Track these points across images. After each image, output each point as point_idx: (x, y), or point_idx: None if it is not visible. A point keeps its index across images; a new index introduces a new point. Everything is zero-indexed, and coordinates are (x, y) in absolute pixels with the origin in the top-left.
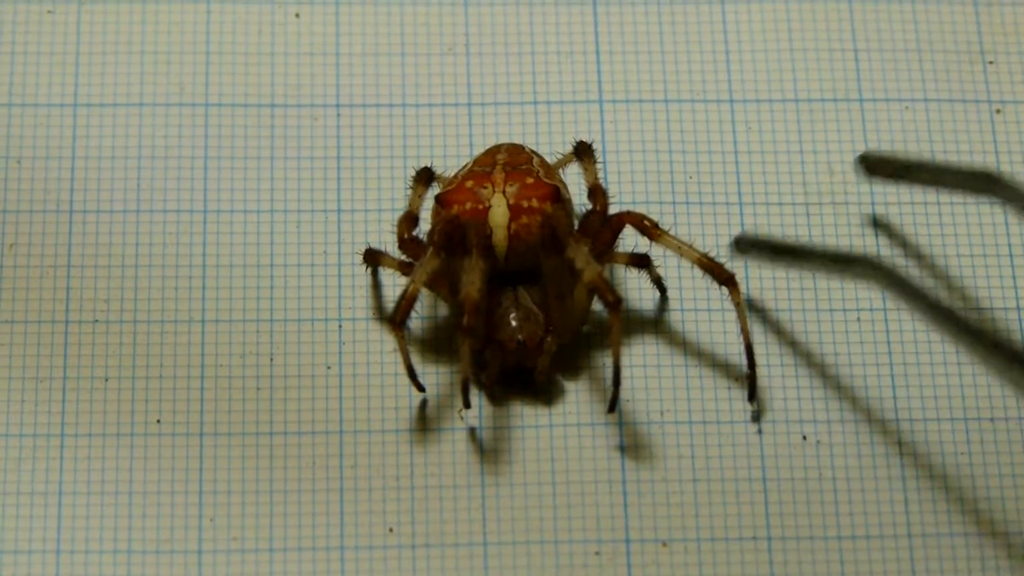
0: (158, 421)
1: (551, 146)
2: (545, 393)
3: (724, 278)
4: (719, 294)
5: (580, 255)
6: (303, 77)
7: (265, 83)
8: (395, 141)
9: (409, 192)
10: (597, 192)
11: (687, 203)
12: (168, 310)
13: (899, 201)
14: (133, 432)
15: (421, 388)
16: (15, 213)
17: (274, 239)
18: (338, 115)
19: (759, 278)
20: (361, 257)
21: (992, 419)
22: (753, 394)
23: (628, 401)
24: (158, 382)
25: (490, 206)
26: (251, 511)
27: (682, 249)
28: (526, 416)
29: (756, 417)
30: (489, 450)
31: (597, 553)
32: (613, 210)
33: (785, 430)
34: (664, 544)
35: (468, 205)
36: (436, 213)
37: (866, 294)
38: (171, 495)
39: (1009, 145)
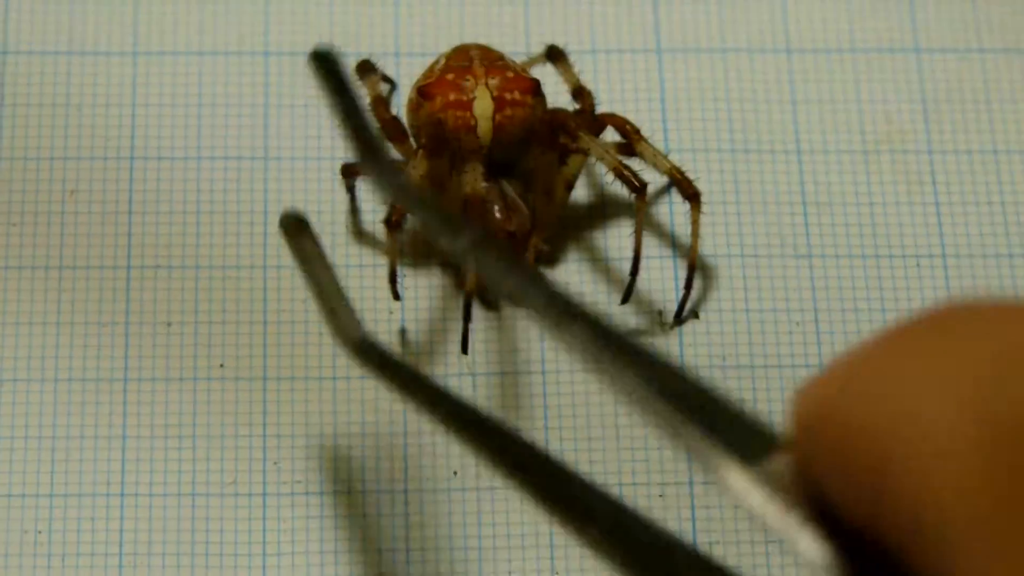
0: (221, 365)
1: (610, 94)
2: None
3: (689, 193)
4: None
5: (595, 145)
6: (362, 26)
7: (324, 31)
8: None
9: (363, 87)
10: (583, 93)
11: (746, 151)
12: (230, 256)
13: (956, 150)
14: (196, 376)
15: (397, 296)
16: (76, 160)
17: (335, 186)
18: (397, 63)
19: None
20: (341, 171)
21: None
22: (680, 314)
23: (690, 346)
24: (221, 327)
25: (474, 98)
26: (314, 454)
27: (656, 158)
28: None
29: (674, 326)
30: (552, 393)
31: (661, 496)
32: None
33: None
34: None
35: (452, 96)
36: (416, 106)
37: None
38: (235, 439)
39: None
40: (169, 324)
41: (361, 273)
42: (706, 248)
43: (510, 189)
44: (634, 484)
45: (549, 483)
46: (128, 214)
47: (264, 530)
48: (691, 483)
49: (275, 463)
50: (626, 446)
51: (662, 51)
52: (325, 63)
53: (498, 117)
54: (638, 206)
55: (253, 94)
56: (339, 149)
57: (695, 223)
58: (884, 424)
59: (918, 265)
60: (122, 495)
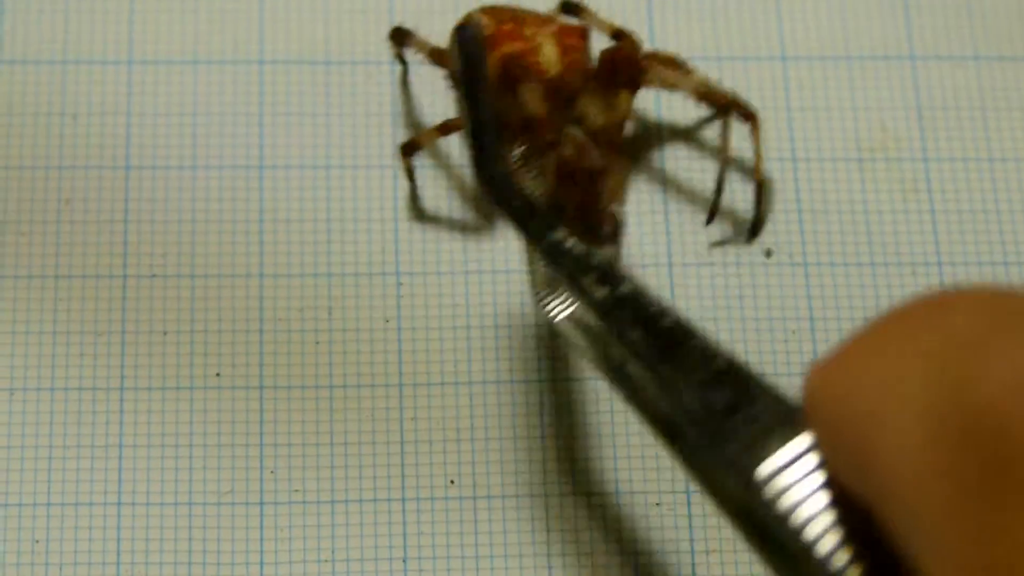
0: (217, 374)
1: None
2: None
3: (748, 114)
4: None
5: (670, 73)
6: (356, 35)
7: (319, 40)
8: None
9: (412, 48)
10: (624, 34)
11: (740, 158)
12: (225, 265)
13: (951, 158)
14: (193, 385)
15: (420, 212)
16: (71, 169)
17: (330, 194)
18: (392, 71)
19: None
20: (401, 150)
21: None
22: (756, 227)
23: None
24: (217, 336)
25: (540, 43)
26: (312, 463)
27: (712, 83)
28: (586, 368)
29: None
30: (549, 403)
31: (657, 504)
32: None
33: None
34: None
35: (518, 45)
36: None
37: None
38: (232, 447)
39: None
40: (165, 333)
41: (371, 282)
42: (698, 256)
43: (578, 131)
44: (631, 493)
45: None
46: (123, 223)
47: (261, 539)
48: (688, 492)
49: (272, 472)
50: (623, 455)
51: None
52: (469, 45)
53: (566, 60)
54: (725, 125)
55: (248, 103)
56: (333, 156)
57: (757, 141)
58: (858, 419)
59: (914, 273)
60: (119, 504)
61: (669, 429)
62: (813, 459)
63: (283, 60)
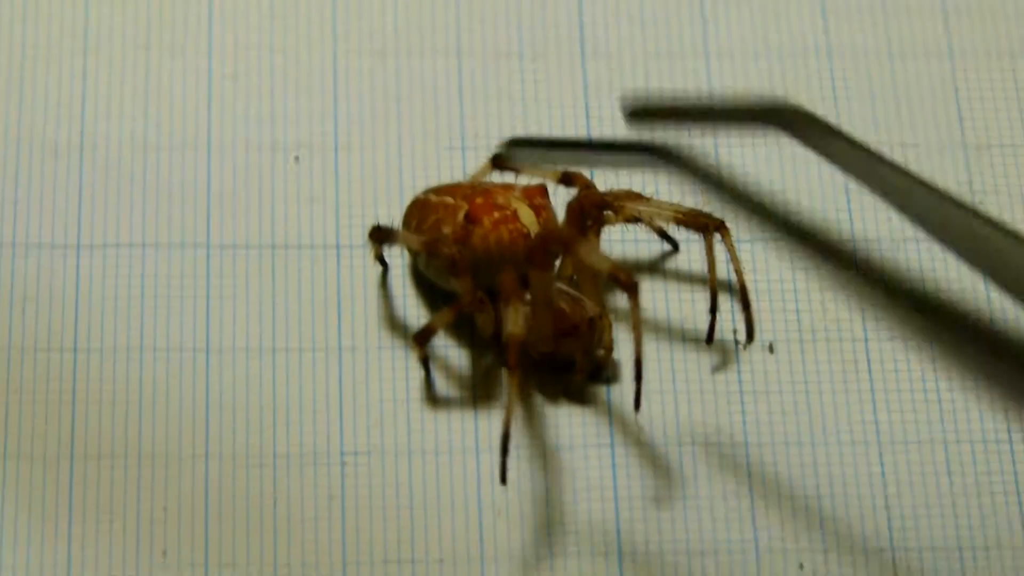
0: (164, 553)
1: None
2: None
3: (714, 226)
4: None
5: (644, 206)
6: (303, 219)
7: (266, 224)
8: (398, 280)
9: (399, 244)
10: (572, 176)
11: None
12: (172, 446)
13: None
14: (139, 571)
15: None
16: (20, 351)
17: (276, 377)
18: (339, 256)
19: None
20: (415, 340)
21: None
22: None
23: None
24: (163, 514)
25: (516, 208)
26: None
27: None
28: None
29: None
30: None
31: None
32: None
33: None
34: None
35: (496, 215)
36: (463, 235)
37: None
38: None
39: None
40: (112, 517)
41: (315, 462)
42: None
43: (558, 284)
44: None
45: None
46: (72, 404)
47: None
48: (684, 497)
49: None
50: (621, 463)
51: None
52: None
53: (540, 220)
54: (709, 244)
55: (196, 286)
56: (279, 338)
57: (731, 249)
58: None
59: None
60: None
61: None
62: None
63: (230, 244)
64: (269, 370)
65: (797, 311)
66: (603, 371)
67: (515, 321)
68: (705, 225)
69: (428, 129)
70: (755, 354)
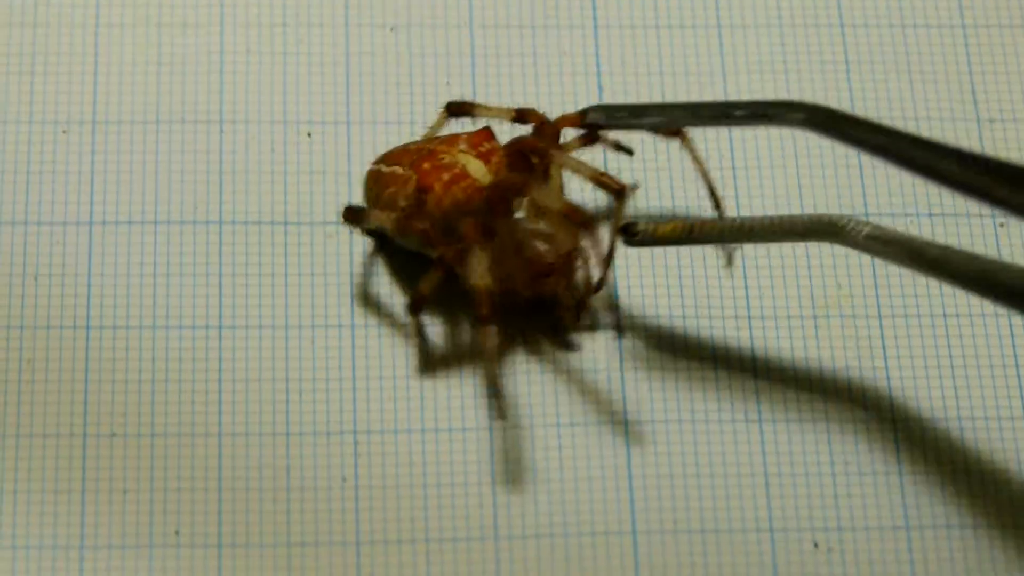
0: (176, 532)
1: None
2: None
3: (615, 189)
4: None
5: (568, 160)
6: (315, 195)
7: (278, 201)
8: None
9: (372, 221)
10: (526, 112)
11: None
12: (185, 423)
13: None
14: (152, 544)
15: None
16: (32, 329)
17: (288, 354)
18: (352, 232)
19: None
20: (409, 310)
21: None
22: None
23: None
24: (176, 494)
25: (463, 163)
26: None
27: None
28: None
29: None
30: (506, 558)
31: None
32: None
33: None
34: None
35: (446, 176)
36: (418, 206)
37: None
38: None
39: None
40: (125, 492)
41: (328, 440)
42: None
43: (527, 225)
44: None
45: None
46: (84, 382)
47: None
48: (698, 475)
49: None
50: (635, 441)
51: None
52: None
53: (491, 167)
54: (618, 207)
55: (208, 263)
56: (292, 316)
57: (620, 211)
58: None
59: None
60: None
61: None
62: None
63: (242, 221)
64: (282, 347)
65: (815, 289)
66: (587, 306)
67: (479, 272)
68: (620, 191)
69: (441, 103)
70: (767, 331)
